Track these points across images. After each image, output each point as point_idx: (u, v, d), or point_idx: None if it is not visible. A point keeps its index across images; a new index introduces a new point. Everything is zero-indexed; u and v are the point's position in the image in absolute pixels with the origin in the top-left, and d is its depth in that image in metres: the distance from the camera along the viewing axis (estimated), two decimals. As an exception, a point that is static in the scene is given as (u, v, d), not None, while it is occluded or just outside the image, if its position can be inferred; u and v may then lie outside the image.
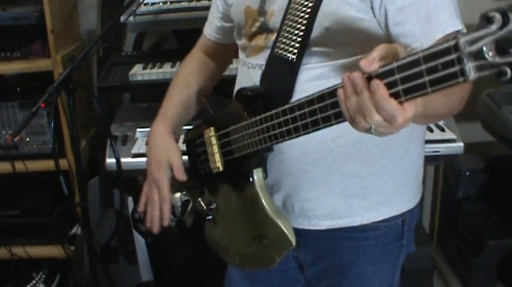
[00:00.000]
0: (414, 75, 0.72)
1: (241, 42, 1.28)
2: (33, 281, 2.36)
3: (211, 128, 1.22)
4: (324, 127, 0.90)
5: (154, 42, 2.40)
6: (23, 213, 2.33)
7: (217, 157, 1.21)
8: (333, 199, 1.16)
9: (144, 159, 1.87)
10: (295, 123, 0.96)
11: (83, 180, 1.85)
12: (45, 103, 1.52)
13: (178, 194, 1.32)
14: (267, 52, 1.16)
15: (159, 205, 1.29)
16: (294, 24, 1.11)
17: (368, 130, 0.80)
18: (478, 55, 0.66)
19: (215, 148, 1.21)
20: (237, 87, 1.24)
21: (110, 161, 1.85)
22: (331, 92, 0.86)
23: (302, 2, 1.10)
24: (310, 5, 1.08)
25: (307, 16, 1.09)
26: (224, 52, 1.45)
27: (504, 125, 2.12)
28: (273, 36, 1.16)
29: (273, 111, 1.01)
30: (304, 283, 1.33)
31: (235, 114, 1.15)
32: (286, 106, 0.98)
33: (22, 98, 2.19)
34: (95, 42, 1.64)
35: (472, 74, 0.67)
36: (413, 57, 0.72)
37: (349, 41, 1.07)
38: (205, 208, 1.29)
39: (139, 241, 2.18)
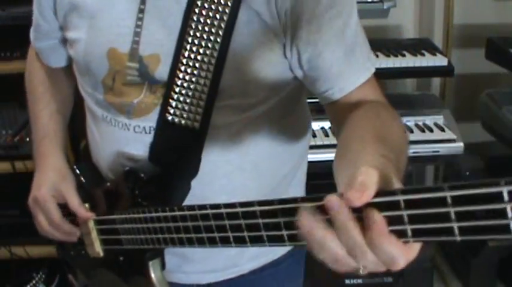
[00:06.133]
0: (434, 216, 0.50)
1: (100, 96, 0.97)
2: (33, 281, 2.36)
3: (87, 206, 1.01)
4: (277, 245, 0.65)
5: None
6: (23, 213, 2.31)
7: (97, 244, 1.01)
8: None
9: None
10: (222, 232, 0.70)
11: (83, 180, 1.85)
12: (45, 103, 1.51)
13: None
14: (155, 112, 0.91)
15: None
16: (190, 77, 0.87)
17: (356, 272, 0.57)
18: None
19: (93, 233, 1.00)
20: (111, 157, 0.98)
21: (110, 161, 1.84)
22: (286, 209, 0.60)
23: (200, 41, 0.85)
24: (217, 46, 0.85)
25: (212, 61, 0.85)
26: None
27: (504, 125, 2.12)
28: (160, 92, 0.90)
29: (191, 212, 0.75)
30: None
31: (123, 198, 0.93)
32: (209, 211, 0.70)
33: (22, 98, 2.18)
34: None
35: None
36: (436, 193, 0.49)
37: (260, 87, 0.90)
38: None
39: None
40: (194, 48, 0.86)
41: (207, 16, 0.85)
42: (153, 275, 0.94)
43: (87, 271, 1.10)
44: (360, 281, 2.17)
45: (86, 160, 1.11)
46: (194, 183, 0.93)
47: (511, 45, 2.11)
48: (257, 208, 0.65)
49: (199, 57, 0.86)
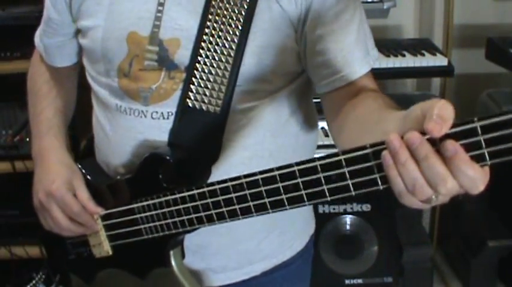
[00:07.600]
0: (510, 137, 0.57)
1: (114, 83, 0.97)
2: (33, 281, 2.36)
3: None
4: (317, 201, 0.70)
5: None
6: (23, 213, 2.33)
7: (106, 243, 0.98)
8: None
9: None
10: (259, 199, 0.74)
11: (83, 180, 1.85)
12: (45, 103, 1.51)
13: None
14: (174, 98, 0.92)
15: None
16: (211, 62, 0.88)
17: (427, 201, 0.63)
18: None
19: (102, 231, 0.97)
20: (125, 148, 0.97)
21: (110, 161, 1.83)
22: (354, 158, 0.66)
23: (221, 26, 0.88)
24: (237, 32, 0.87)
25: (232, 46, 0.88)
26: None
27: (504, 125, 2.12)
28: (179, 78, 0.91)
29: (232, 183, 0.78)
30: None
31: (143, 185, 0.91)
32: (259, 176, 0.74)
33: (22, 98, 2.18)
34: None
35: None
36: (508, 115, 0.58)
37: (276, 74, 0.94)
38: None
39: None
40: (215, 34, 0.88)
41: (228, 2, 0.88)
42: (174, 264, 0.93)
43: (87, 275, 1.06)
44: (360, 281, 2.17)
45: (87, 158, 1.10)
46: (212, 170, 0.94)
47: (511, 45, 2.11)
48: (296, 168, 0.71)
49: (220, 42, 0.88)
